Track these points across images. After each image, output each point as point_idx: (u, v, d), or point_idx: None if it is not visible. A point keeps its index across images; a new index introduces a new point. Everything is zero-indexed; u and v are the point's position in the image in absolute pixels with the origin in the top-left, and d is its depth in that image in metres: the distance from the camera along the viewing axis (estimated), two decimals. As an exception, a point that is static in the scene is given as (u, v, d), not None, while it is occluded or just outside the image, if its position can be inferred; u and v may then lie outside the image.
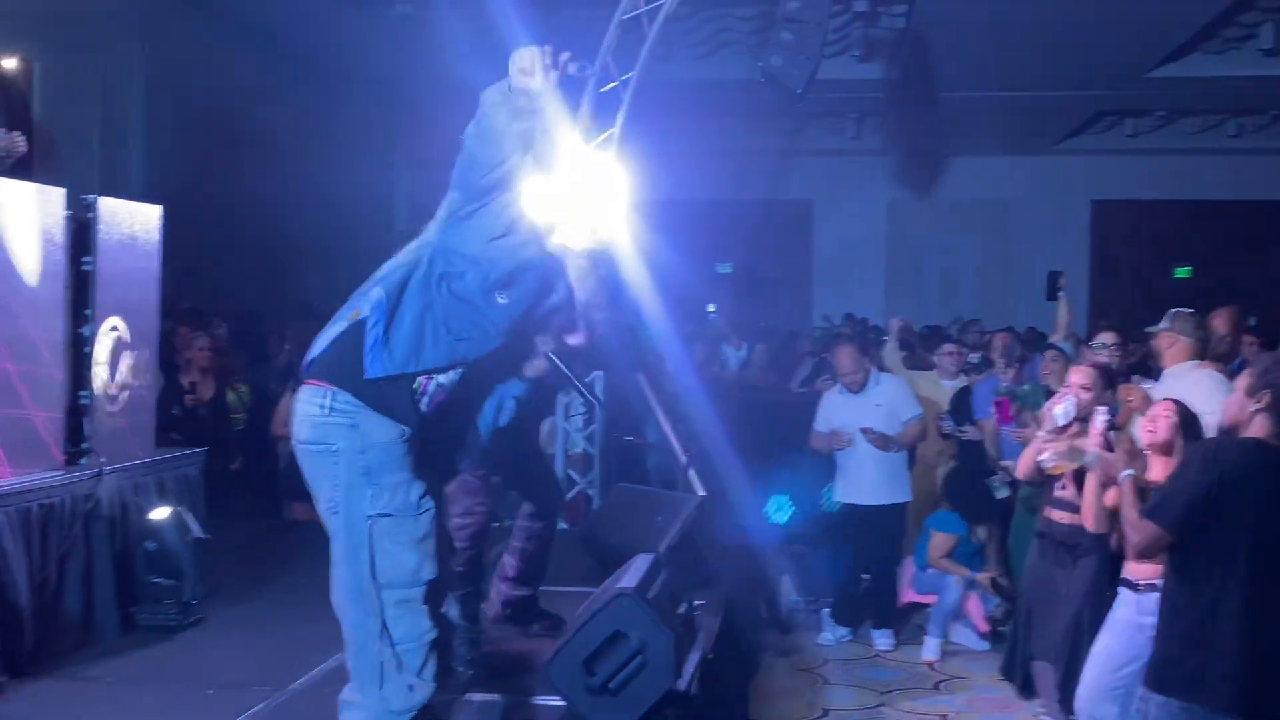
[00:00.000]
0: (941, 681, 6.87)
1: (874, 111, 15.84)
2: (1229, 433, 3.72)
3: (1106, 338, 6.83)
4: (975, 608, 7.44)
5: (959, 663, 7.18)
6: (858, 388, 7.52)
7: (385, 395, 3.42)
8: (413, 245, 3.55)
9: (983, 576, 7.37)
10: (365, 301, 3.46)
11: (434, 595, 3.55)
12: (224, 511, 6.98)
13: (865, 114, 16.13)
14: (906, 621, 7.82)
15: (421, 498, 3.47)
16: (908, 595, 7.78)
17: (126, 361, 5.39)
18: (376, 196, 15.29)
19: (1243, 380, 3.70)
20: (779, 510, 4.51)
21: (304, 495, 7.71)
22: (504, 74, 3.42)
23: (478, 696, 4.35)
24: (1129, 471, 3.93)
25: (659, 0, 8.07)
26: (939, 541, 7.51)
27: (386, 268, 3.53)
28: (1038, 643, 5.23)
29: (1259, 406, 3.59)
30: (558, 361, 4.58)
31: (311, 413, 3.46)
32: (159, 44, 10.14)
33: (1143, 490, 4.05)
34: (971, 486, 7.43)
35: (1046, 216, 18.10)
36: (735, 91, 13.53)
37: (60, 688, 4.59)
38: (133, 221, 5.46)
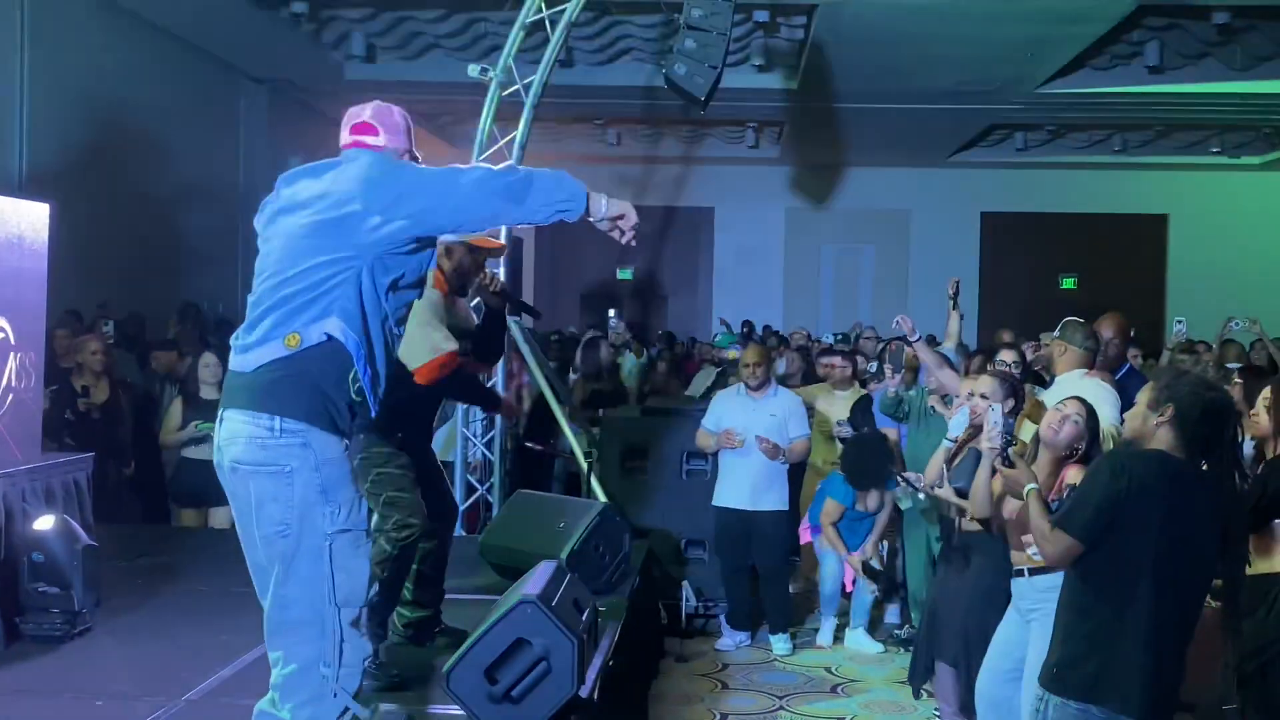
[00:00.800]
0: (839, 685, 6.96)
1: (774, 121, 16.03)
2: (1131, 445, 3.83)
3: (1008, 356, 6.95)
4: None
5: (856, 666, 7.28)
6: (757, 390, 7.58)
7: (333, 415, 3.39)
8: (324, 260, 3.39)
9: (854, 558, 7.51)
10: (305, 326, 3.35)
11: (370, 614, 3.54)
12: (114, 518, 6.80)
13: (765, 123, 16.31)
14: (802, 625, 7.93)
15: (367, 513, 3.47)
16: (805, 536, 8.00)
17: (11, 364, 5.21)
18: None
19: (1145, 394, 3.79)
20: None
21: (193, 502, 7.61)
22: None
23: (382, 706, 4.30)
24: (1033, 485, 4.01)
25: (562, 5, 8.08)
26: (829, 508, 7.64)
27: (306, 282, 3.38)
28: (939, 647, 5.33)
29: (1162, 420, 3.69)
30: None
31: (257, 435, 3.34)
32: (41, 33, 9.84)
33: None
34: (863, 457, 7.49)
35: (941, 227, 18.49)
36: (637, 98, 13.61)
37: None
38: (19, 219, 5.29)
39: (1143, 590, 3.62)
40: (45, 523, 5.12)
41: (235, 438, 3.38)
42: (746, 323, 14.72)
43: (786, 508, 7.66)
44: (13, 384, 5.22)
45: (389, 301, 3.45)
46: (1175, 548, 3.63)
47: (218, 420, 3.47)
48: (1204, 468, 3.70)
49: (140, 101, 10.95)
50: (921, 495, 6.05)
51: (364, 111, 3.68)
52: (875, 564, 7.59)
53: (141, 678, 4.64)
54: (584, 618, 4.49)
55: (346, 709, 3.41)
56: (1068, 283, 18.63)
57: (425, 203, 3.39)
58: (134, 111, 10.81)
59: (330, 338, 3.36)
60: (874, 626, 7.76)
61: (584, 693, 4.27)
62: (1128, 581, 3.63)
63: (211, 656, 4.75)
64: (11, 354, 5.19)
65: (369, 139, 3.63)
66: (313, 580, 3.35)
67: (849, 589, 7.73)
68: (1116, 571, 3.64)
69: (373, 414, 3.51)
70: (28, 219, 5.28)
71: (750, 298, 17.84)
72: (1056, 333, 5.91)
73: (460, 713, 4.07)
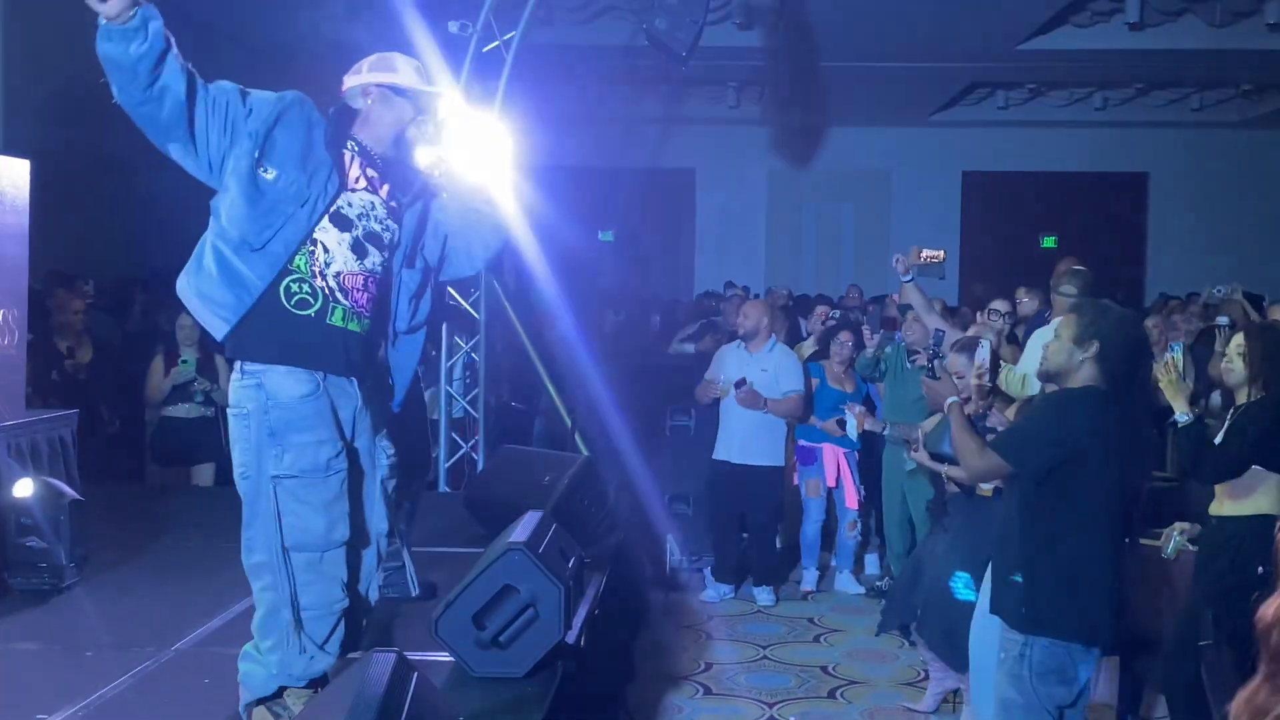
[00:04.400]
0: (822, 635, 7.04)
1: (754, 80, 15.97)
2: (1051, 378, 3.88)
3: (1000, 305, 7.05)
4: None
5: (838, 616, 7.37)
6: (756, 344, 7.60)
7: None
8: None
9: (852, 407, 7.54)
10: None
11: (351, 564, 3.56)
12: (99, 476, 6.80)
13: (745, 83, 16.25)
14: (785, 579, 8.00)
15: (332, 459, 3.47)
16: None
17: (-7, 321, 5.22)
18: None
19: (1067, 329, 3.81)
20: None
21: (174, 460, 7.61)
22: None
23: (376, 652, 4.33)
24: (954, 398, 4.05)
25: (542, -40, 8.03)
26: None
27: None
28: (926, 602, 5.40)
29: (1087, 355, 3.74)
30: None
31: (234, 378, 3.52)
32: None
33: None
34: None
35: (922, 187, 18.49)
36: (617, 57, 13.53)
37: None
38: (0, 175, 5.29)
39: (1101, 523, 3.72)
40: (30, 479, 5.14)
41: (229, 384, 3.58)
42: (729, 284, 14.72)
43: (780, 464, 7.69)
44: (-4, 340, 5.23)
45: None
46: (1120, 480, 3.74)
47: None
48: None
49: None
50: (908, 456, 6.11)
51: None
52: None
53: (130, 629, 4.67)
54: (570, 565, 4.54)
55: (313, 656, 3.47)
56: (1049, 241, 18.68)
57: None
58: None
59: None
60: (857, 571, 7.91)
61: (570, 639, 4.32)
62: (1089, 515, 3.71)
63: (199, 609, 4.78)
64: (-7, 310, 5.19)
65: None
66: (263, 524, 3.44)
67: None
68: (1074, 506, 3.71)
69: None
70: (8, 175, 5.27)
71: (733, 259, 17.84)
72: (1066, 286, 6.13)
73: (449, 659, 4.11)
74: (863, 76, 14.79)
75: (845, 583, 7.81)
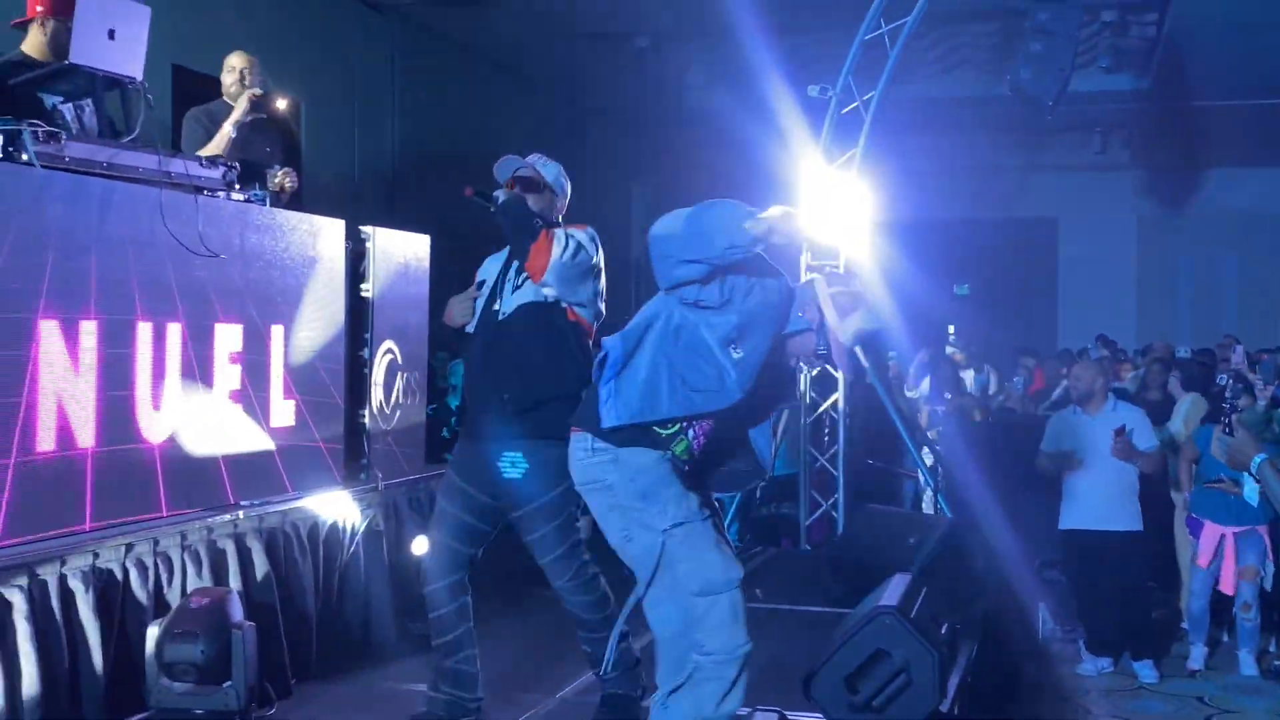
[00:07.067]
0: (1212, 716, 6.52)
1: (1122, 124, 15.29)
2: None
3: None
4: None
5: (1233, 697, 6.80)
6: (1094, 407, 7.21)
7: (633, 438, 3.57)
8: (657, 298, 3.67)
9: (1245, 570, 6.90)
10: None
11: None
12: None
13: (1112, 126, 15.58)
14: (1168, 652, 7.46)
15: (700, 506, 3.58)
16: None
17: (399, 383, 5.70)
18: (613, 225, 15.67)
19: None
20: None
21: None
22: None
23: (759, 711, 4.38)
24: (1261, 456, 3.51)
25: (901, 20, 8.04)
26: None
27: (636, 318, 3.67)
28: None
29: None
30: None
31: (579, 456, 3.67)
32: (409, 80, 10.72)
33: None
34: None
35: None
36: (973, 108, 13.32)
37: (344, 691, 4.87)
38: (405, 250, 5.78)
39: None
40: (423, 542, 5.52)
41: (570, 461, 3.73)
42: (1100, 337, 14.01)
43: (1140, 528, 7.22)
44: (400, 401, 5.70)
45: (676, 345, 3.58)
46: None
47: None
48: None
49: (493, 134, 11.68)
50: None
51: None
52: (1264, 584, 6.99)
53: (520, 674, 4.93)
54: (943, 631, 4.44)
55: (724, 695, 3.55)
56: None
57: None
58: (490, 145, 11.56)
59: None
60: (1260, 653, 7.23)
61: (944, 707, 4.22)
62: None
63: (580, 659, 4.97)
64: (400, 373, 5.67)
65: None
66: (665, 577, 3.59)
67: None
68: None
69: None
70: (412, 249, 5.75)
71: (1099, 311, 17.01)
72: None
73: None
74: (1240, 114, 13.87)
75: (1243, 663, 7.13)
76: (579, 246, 4.24)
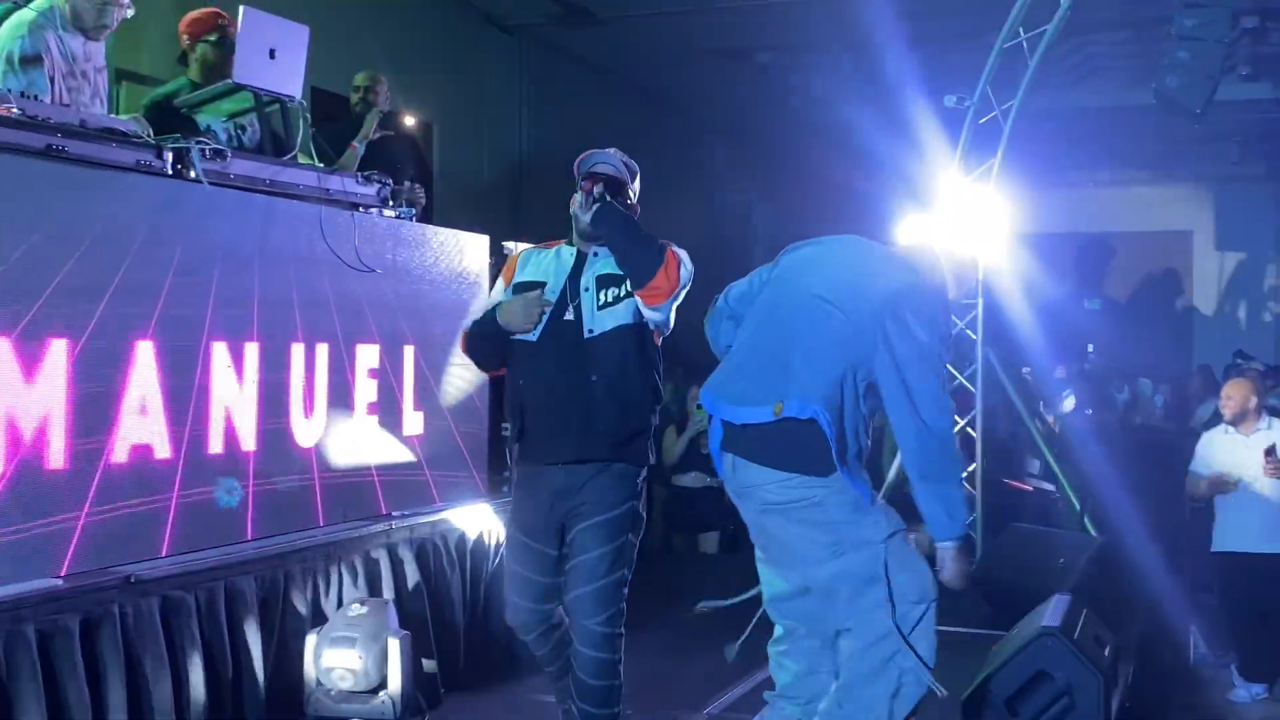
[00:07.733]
0: (1382, 748, 6.23)
1: (1260, 134, 14.79)
2: None
3: None
4: None
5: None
6: (1247, 427, 6.94)
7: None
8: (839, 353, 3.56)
9: None
10: (792, 399, 3.48)
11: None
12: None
13: (1250, 136, 15.08)
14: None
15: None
16: None
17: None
18: (734, 239, 15.63)
19: None
20: None
21: (685, 528, 8.03)
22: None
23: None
24: None
25: (1040, 28, 7.87)
26: None
27: (812, 368, 3.54)
28: None
29: None
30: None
31: (775, 479, 3.53)
32: (537, 99, 10.88)
33: None
34: None
35: None
36: (1106, 118, 13.01)
37: (491, 702, 4.90)
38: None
39: None
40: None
41: (754, 485, 3.59)
42: (1239, 352, 13.55)
43: None
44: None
45: (864, 404, 3.57)
46: None
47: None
48: None
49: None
50: None
51: None
52: None
53: (664, 691, 4.90)
54: (1106, 653, 4.32)
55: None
56: None
57: (919, 388, 3.49)
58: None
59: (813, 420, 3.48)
60: None
61: (1107, 733, 4.10)
62: None
63: (729, 676, 4.93)
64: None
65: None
66: (878, 587, 3.56)
67: None
68: None
69: None
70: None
71: (1239, 326, 16.47)
72: None
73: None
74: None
75: None
76: (691, 271, 3.89)
